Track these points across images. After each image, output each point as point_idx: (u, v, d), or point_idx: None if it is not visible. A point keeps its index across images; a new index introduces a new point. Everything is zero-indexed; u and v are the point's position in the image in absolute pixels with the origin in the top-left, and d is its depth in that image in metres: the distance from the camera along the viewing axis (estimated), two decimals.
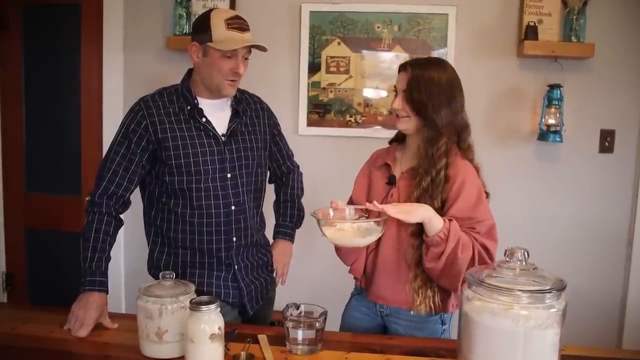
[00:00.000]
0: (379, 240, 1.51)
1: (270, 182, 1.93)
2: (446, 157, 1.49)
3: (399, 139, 1.66)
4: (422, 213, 1.41)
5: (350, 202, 1.65)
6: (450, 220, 1.43)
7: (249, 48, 1.59)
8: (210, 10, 1.59)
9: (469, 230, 1.45)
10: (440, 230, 1.40)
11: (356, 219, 1.48)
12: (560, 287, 1.12)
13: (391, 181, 1.59)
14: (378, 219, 1.41)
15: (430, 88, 1.48)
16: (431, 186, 1.47)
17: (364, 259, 1.60)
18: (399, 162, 1.62)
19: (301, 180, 1.99)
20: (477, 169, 1.55)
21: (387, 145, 1.70)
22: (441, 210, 1.46)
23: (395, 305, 1.56)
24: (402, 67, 1.55)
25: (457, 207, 1.46)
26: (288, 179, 1.94)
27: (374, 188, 1.63)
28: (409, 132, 1.56)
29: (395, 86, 1.57)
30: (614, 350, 2.34)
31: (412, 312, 1.50)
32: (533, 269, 1.17)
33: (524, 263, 1.17)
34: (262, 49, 1.60)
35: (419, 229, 1.45)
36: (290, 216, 1.93)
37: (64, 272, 2.67)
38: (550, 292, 1.11)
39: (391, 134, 1.70)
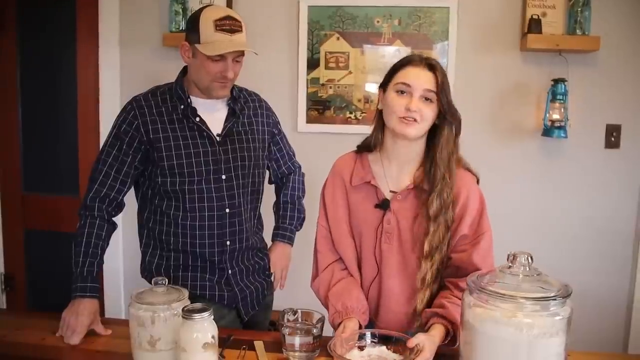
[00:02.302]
0: (381, 273, 1.45)
1: (270, 183, 1.89)
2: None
3: (369, 147, 1.46)
4: (434, 348, 1.28)
5: (326, 222, 1.49)
6: (448, 322, 1.31)
7: (239, 50, 1.52)
8: (202, 8, 1.53)
9: (474, 247, 1.37)
10: (446, 337, 1.32)
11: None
12: (565, 294, 1.08)
13: (385, 205, 1.41)
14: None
15: (449, 88, 1.36)
16: (444, 213, 1.37)
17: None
18: (382, 179, 1.43)
19: (302, 181, 1.94)
20: (477, 179, 1.45)
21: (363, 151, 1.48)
22: (449, 229, 1.39)
23: (405, 330, 1.42)
24: (422, 64, 1.33)
25: (466, 224, 1.39)
26: (288, 180, 1.90)
27: (357, 211, 1.46)
28: (416, 138, 1.37)
29: (403, 82, 1.32)
30: (620, 355, 2.30)
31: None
32: (537, 275, 1.12)
33: (528, 268, 1.12)
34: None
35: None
36: (290, 218, 1.88)
37: (63, 273, 2.63)
38: (555, 299, 1.07)
39: None
